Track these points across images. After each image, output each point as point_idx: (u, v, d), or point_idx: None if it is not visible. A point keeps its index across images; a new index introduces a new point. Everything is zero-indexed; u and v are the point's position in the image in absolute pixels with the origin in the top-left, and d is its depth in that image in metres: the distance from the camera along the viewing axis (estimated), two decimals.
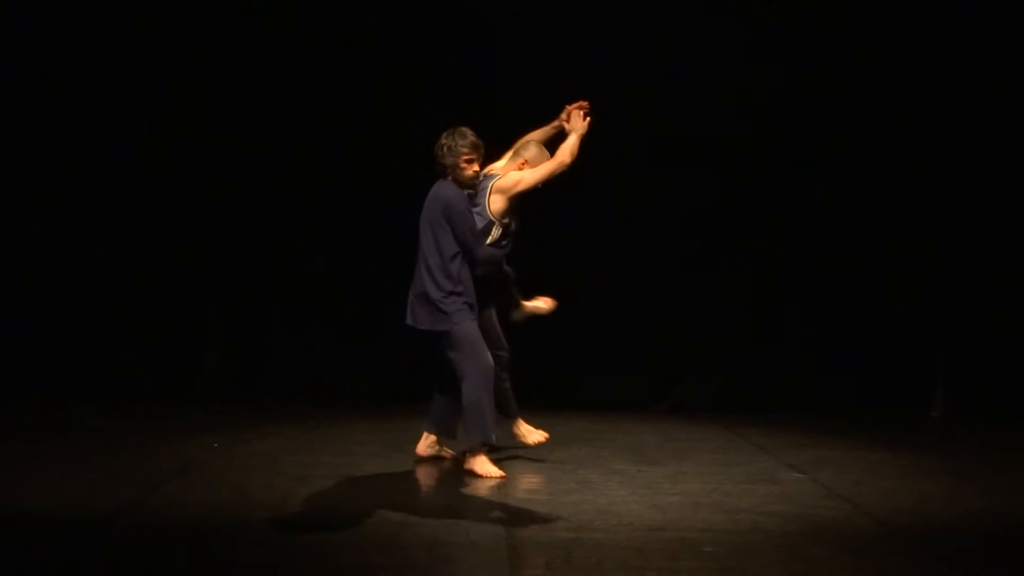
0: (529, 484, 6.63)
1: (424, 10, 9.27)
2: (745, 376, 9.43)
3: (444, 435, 7.13)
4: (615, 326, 9.38)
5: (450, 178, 6.76)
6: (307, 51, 9.30)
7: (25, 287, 9.26)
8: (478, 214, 6.85)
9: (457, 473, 6.85)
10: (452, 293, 6.67)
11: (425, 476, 6.84)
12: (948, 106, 9.14)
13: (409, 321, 6.79)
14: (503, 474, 6.69)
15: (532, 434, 7.22)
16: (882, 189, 9.34)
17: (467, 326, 6.66)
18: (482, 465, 6.71)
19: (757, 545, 5.33)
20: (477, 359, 6.62)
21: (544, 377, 8.99)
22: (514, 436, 7.20)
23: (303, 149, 9.39)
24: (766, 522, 5.71)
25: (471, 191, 6.84)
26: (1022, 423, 8.65)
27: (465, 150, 6.70)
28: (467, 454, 6.80)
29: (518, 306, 7.22)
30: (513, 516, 5.75)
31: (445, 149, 6.73)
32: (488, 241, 6.86)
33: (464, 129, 6.76)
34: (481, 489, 6.41)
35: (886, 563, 5.13)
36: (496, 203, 6.85)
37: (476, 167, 6.77)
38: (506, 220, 6.89)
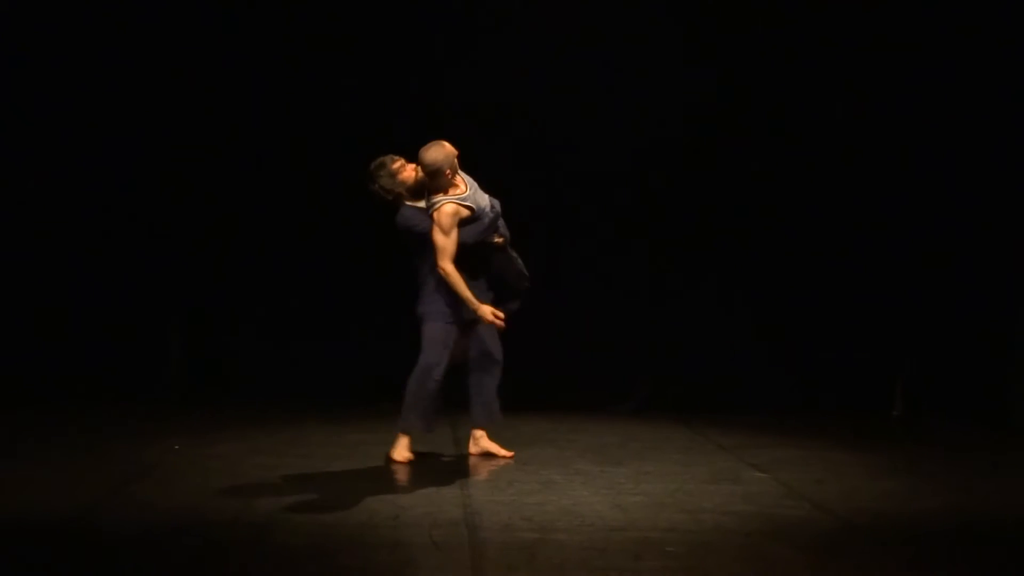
0: (492, 485, 6.64)
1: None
2: (706, 376, 9.46)
3: (486, 423, 7.28)
4: (577, 327, 9.40)
5: (404, 199, 7.04)
6: (271, 50, 9.28)
7: None
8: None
9: (419, 474, 6.85)
10: (432, 296, 7.00)
11: (387, 478, 6.82)
12: (915, 106, 9.20)
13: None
14: (411, 456, 7.04)
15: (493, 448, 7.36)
16: (844, 188, 9.40)
17: (435, 325, 6.97)
18: (399, 451, 7.06)
19: (719, 544, 5.35)
20: (427, 354, 6.94)
21: (508, 379, 9.00)
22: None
23: (272, 148, 9.36)
24: (728, 521, 5.73)
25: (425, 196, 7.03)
26: (981, 423, 8.72)
27: (390, 168, 7.02)
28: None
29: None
30: (476, 517, 5.75)
31: (384, 184, 7.06)
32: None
33: (375, 163, 7.06)
34: (444, 491, 6.40)
35: (847, 561, 5.16)
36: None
37: (408, 168, 7.03)
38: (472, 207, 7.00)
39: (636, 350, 9.46)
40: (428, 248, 6.95)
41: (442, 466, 7.08)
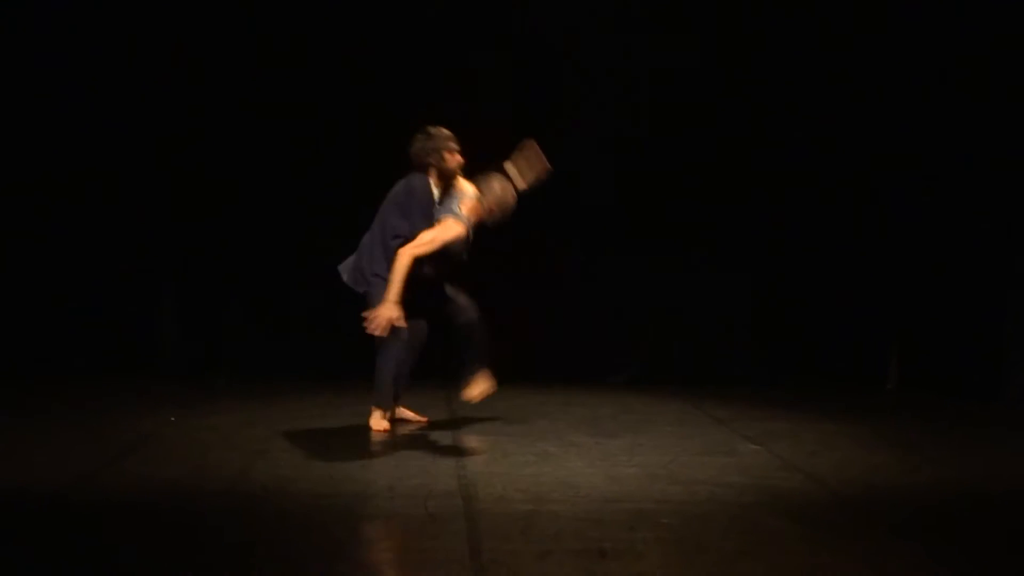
0: (487, 456, 6.66)
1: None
2: (701, 349, 9.49)
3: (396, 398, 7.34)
4: (571, 300, 9.42)
5: (432, 172, 7.08)
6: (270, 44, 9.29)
7: None
8: (449, 210, 7.08)
9: (414, 446, 6.87)
10: (376, 276, 7.00)
11: (383, 450, 6.85)
12: (912, 82, 9.21)
13: (346, 279, 7.22)
14: (387, 427, 7.17)
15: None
16: (840, 162, 9.40)
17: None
18: (376, 421, 7.19)
19: (713, 516, 5.38)
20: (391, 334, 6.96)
21: (503, 350, 9.02)
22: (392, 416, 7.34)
23: (264, 127, 9.35)
24: (722, 493, 5.75)
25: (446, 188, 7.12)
26: (974, 396, 8.75)
27: (450, 143, 7.09)
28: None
29: None
30: (471, 488, 5.77)
31: (428, 146, 7.08)
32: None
33: (439, 127, 7.12)
34: (439, 462, 6.42)
35: (839, 532, 5.19)
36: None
37: (459, 157, 7.10)
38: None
39: (630, 322, 9.48)
40: (393, 219, 7.01)
41: (437, 438, 7.10)
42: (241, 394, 8.50)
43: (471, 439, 7.10)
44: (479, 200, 7.08)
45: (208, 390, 8.65)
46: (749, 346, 9.52)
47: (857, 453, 6.84)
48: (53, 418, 7.54)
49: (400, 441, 7.02)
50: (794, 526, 5.26)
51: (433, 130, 7.13)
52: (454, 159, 7.11)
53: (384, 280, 6.94)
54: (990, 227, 8.96)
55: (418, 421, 7.45)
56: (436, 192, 7.12)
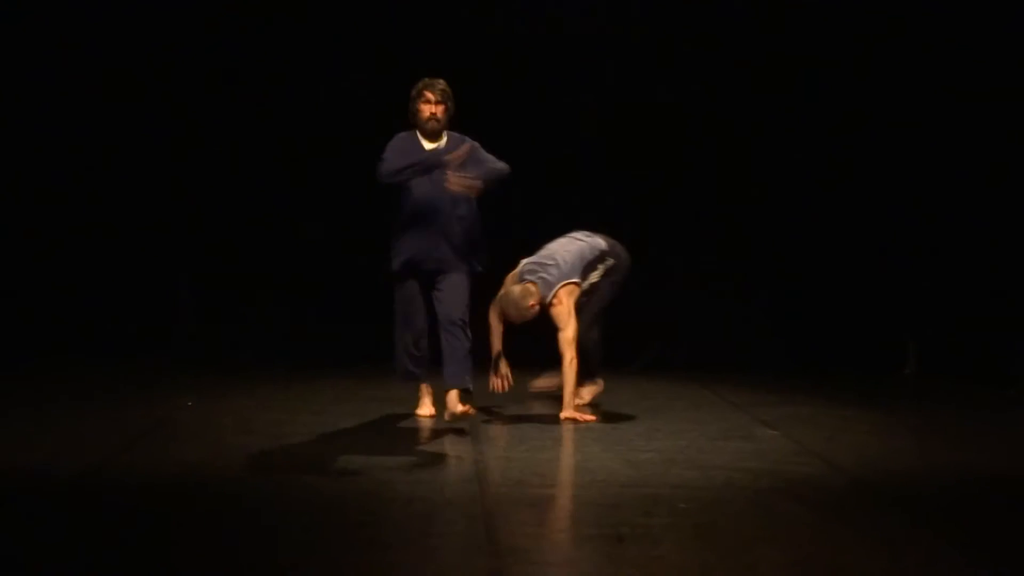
0: (504, 441, 6.66)
1: None
2: (718, 334, 9.48)
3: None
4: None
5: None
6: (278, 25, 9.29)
7: None
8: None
9: (432, 431, 6.87)
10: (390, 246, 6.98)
11: (400, 434, 6.85)
12: (932, 64, 9.17)
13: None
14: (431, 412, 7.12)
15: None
16: (857, 148, 9.38)
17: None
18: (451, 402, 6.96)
19: (730, 501, 5.37)
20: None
21: (518, 336, 9.01)
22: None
23: (280, 118, 9.37)
24: (739, 478, 5.75)
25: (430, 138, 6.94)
26: (992, 381, 8.72)
27: (417, 99, 6.88)
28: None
29: None
30: (488, 473, 5.78)
31: (410, 106, 6.93)
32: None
33: (423, 80, 6.93)
34: (456, 447, 6.43)
35: (857, 518, 5.18)
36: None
37: (429, 110, 6.87)
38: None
39: (648, 307, 9.47)
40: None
41: (454, 423, 7.11)
42: (258, 378, 8.51)
43: (488, 425, 7.10)
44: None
45: (227, 373, 8.68)
46: (766, 333, 9.50)
47: (874, 439, 6.82)
48: (68, 403, 7.57)
49: (415, 425, 7.02)
50: (811, 512, 5.25)
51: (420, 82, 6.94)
52: (421, 113, 6.89)
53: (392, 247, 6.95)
54: (1009, 213, 8.92)
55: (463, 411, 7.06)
56: (427, 144, 6.92)
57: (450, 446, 6.42)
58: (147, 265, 9.41)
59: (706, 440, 6.64)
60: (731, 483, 5.66)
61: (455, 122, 6.99)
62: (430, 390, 7.19)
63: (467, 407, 6.97)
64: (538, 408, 7.52)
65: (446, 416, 6.91)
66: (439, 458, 6.09)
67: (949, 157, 9.16)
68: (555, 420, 7.12)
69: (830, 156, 9.41)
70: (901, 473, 5.99)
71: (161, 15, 9.18)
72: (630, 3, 9.41)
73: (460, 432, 6.81)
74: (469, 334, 6.95)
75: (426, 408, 7.17)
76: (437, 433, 6.78)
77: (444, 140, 6.97)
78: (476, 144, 6.96)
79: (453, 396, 6.91)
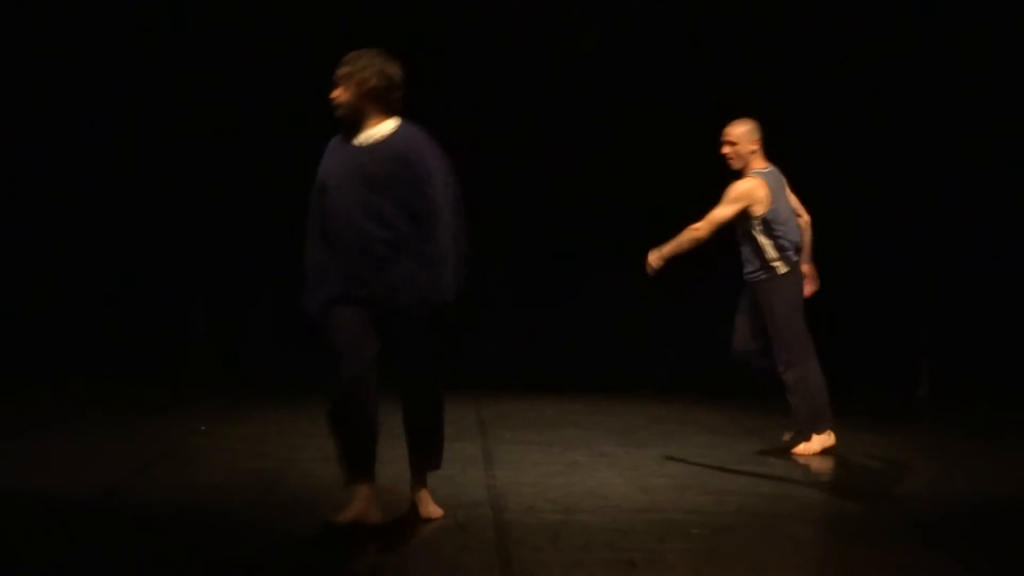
0: (516, 467, 6.64)
1: None
2: (731, 358, 9.45)
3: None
4: (601, 309, 9.41)
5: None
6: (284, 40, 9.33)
7: (9, 271, 9.24)
8: None
9: (444, 456, 6.84)
10: None
11: None
12: (932, 78, 9.17)
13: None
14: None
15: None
16: (868, 164, 9.37)
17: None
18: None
19: (743, 527, 5.35)
20: None
21: (530, 360, 9.02)
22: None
23: (288, 132, 9.39)
24: (753, 504, 5.73)
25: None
26: (1007, 403, 8.69)
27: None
28: None
29: None
30: (500, 498, 5.76)
31: None
32: None
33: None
34: (468, 472, 6.42)
35: (871, 542, 5.16)
36: None
37: (336, 92, 5.31)
38: None
39: (660, 330, 9.45)
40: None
41: (466, 448, 7.09)
42: (270, 402, 8.52)
43: (500, 449, 7.09)
44: None
45: (239, 396, 8.68)
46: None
47: (889, 462, 6.80)
48: (81, 426, 7.59)
49: None
50: (825, 536, 5.23)
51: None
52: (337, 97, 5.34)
53: None
54: (1022, 232, 8.91)
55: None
56: (354, 140, 5.35)
57: (461, 472, 6.41)
58: (161, 288, 9.43)
59: (720, 465, 6.62)
60: (744, 509, 5.64)
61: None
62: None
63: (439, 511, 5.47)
64: (550, 432, 7.50)
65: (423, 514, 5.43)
66: (450, 484, 6.07)
67: (962, 176, 9.15)
68: (568, 445, 7.10)
69: (843, 177, 9.39)
70: (916, 497, 5.97)
71: (177, 30, 9.23)
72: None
73: (471, 458, 6.79)
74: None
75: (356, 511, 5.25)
76: (449, 459, 6.74)
77: (380, 130, 5.27)
78: (423, 144, 5.24)
79: (425, 496, 5.47)
